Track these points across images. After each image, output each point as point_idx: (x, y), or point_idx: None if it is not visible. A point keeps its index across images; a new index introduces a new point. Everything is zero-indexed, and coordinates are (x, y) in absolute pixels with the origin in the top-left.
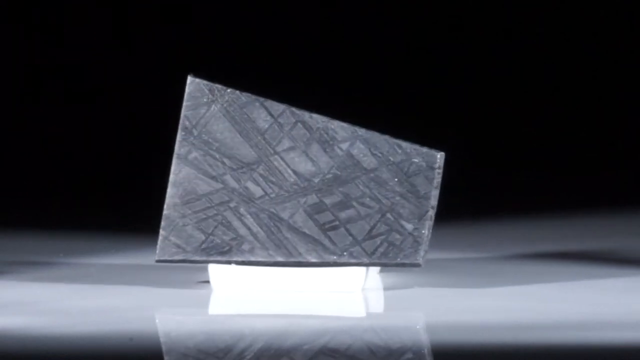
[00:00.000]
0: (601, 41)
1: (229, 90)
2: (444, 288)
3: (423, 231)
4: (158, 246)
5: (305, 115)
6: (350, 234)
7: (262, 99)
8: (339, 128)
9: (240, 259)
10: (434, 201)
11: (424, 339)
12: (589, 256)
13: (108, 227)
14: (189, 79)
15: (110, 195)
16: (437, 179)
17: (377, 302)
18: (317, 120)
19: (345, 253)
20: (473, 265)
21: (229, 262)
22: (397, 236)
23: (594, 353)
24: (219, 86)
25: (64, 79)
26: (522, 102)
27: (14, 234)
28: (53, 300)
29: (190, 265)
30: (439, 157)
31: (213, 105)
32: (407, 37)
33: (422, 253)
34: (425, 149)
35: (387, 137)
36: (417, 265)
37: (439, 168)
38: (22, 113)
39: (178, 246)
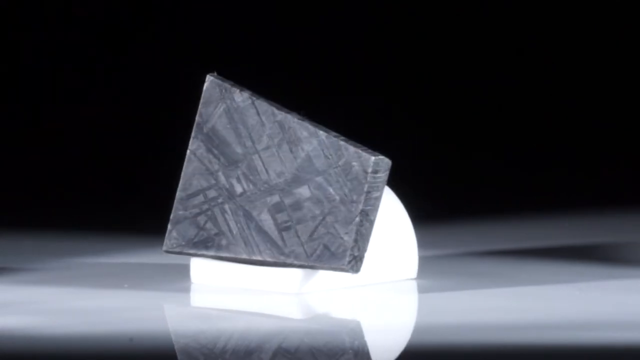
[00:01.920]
0: (594, 38)
1: (234, 89)
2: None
3: (350, 236)
4: (165, 237)
5: (282, 114)
6: (298, 236)
7: (255, 98)
8: (304, 128)
9: (216, 254)
10: (364, 206)
11: (361, 342)
12: (590, 255)
13: (109, 227)
14: (207, 77)
15: (114, 195)
16: (370, 184)
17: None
18: (290, 120)
19: (292, 254)
20: (475, 265)
21: (208, 256)
22: (332, 240)
23: (594, 353)
24: (229, 85)
25: (70, 76)
26: (512, 100)
27: (14, 234)
28: (53, 300)
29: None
30: (372, 161)
31: (220, 104)
32: (411, 35)
33: (347, 259)
34: (365, 153)
35: (340, 138)
36: (344, 270)
37: (372, 173)
38: (32, 110)
39: (177, 238)
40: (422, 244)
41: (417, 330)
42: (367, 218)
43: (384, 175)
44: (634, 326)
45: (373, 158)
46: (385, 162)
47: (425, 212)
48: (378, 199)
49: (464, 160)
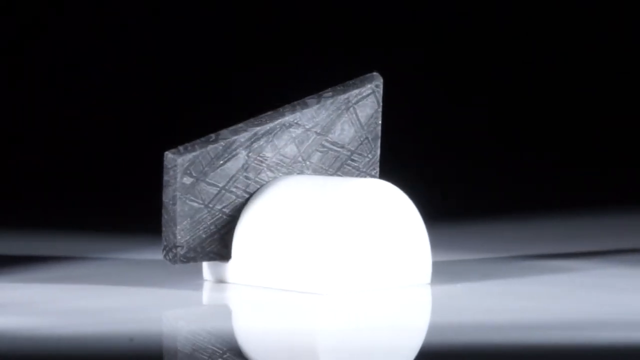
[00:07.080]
0: (593, 40)
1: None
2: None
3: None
4: None
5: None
6: None
7: (334, 94)
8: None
9: None
10: (163, 198)
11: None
12: (590, 255)
13: (111, 227)
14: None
15: (111, 194)
16: (165, 178)
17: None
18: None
19: None
20: (477, 265)
21: None
22: None
23: (594, 353)
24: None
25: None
26: (521, 102)
27: (14, 234)
28: (53, 300)
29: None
30: (166, 158)
31: None
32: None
33: (162, 249)
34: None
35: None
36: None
37: (166, 168)
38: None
39: None
40: (434, 246)
41: (430, 330)
42: (166, 210)
43: (172, 171)
44: (634, 326)
45: (166, 153)
46: (169, 158)
47: (439, 213)
48: (170, 193)
49: (478, 162)
